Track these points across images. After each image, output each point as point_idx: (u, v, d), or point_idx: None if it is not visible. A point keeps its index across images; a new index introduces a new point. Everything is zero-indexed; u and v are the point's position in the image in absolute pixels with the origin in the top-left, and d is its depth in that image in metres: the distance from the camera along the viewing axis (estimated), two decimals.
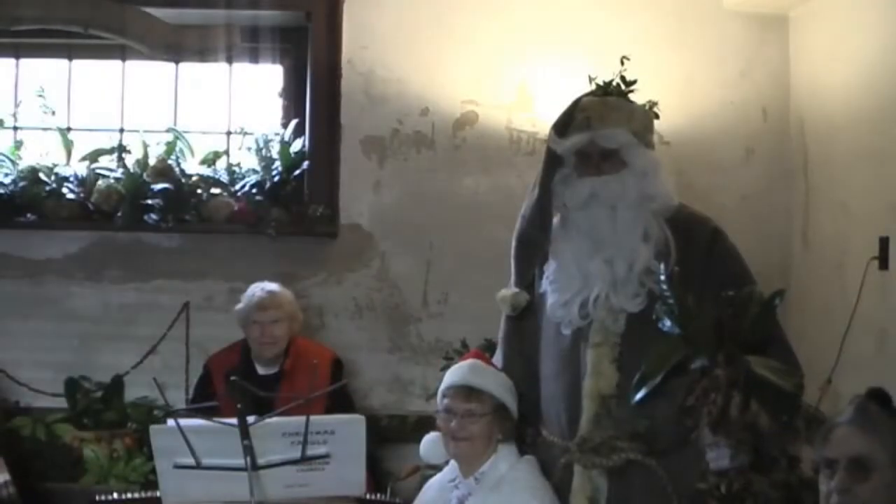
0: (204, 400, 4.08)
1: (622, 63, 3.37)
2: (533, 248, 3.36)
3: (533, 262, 3.39)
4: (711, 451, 2.74)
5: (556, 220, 3.35)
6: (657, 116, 3.40)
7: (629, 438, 3.12)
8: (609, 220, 3.20)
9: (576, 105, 3.27)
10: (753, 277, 3.21)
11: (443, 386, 3.36)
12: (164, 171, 4.61)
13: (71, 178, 4.63)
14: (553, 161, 3.26)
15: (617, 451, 3.12)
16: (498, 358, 3.51)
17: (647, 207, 3.21)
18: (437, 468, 3.54)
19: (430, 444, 3.42)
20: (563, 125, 3.24)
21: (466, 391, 3.28)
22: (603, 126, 3.21)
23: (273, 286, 4.36)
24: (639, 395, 2.84)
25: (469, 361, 3.41)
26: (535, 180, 3.33)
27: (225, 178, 4.72)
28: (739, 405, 2.68)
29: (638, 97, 3.39)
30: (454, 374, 3.35)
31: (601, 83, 3.36)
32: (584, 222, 3.24)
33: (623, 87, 3.35)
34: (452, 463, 3.37)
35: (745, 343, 2.73)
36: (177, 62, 4.81)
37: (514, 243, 3.42)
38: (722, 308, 2.75)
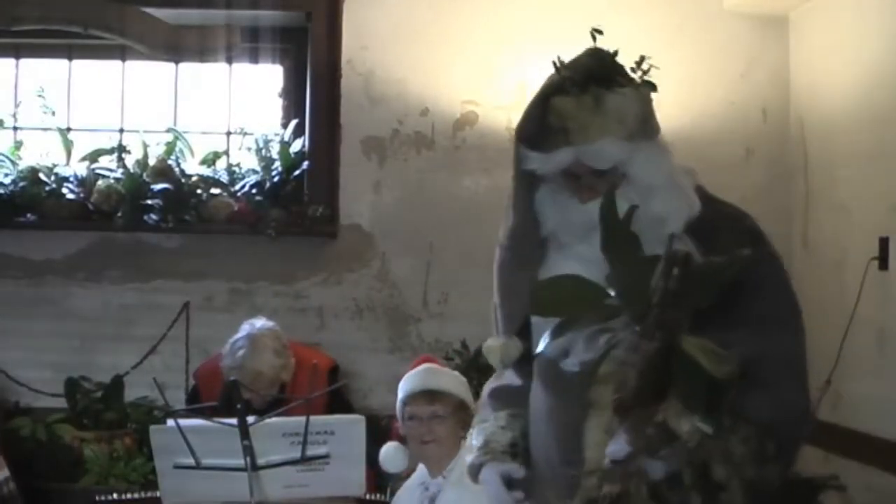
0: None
1: (594, 37, 2.56)
2: (519, 284, 2.48)
3: (523, 301, 2.44)
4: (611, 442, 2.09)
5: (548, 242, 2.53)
6: (654, 88, 2.49)
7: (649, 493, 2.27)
8: None
9: (544, 104, 2.40)
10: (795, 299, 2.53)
11: (401, 395, 3.37)
12: (164, 171, 4.61)
13: (71, 179, 4.63)
14: (528, 179, 2.46)
15: None
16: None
17: (658, 231, 2.32)
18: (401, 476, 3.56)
19: (389, 454, 3.45)
20: (535, 134, 2.40)
21: (428, 395, 3.31)
22: (586, 141, 2.35)
23: (256, 352, 3.90)
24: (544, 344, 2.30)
25: (423, 366, 3.44)
26: (509, 201, 2.55)
27: (225, 178, 4.72)
28: (651, 390, 2.02)
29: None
30: (411, 381, 3.38)
31: (570, 69, 2.44)
32: (587, 252, 2.37)
33: (602, 65, 2.48)
34: (420, 468, 3.39)
35: (702, 317, 2.06)
36: (177, 62, 4.82)
37: (495, 281, 2.59)
38: (666, 265, 2.03)
